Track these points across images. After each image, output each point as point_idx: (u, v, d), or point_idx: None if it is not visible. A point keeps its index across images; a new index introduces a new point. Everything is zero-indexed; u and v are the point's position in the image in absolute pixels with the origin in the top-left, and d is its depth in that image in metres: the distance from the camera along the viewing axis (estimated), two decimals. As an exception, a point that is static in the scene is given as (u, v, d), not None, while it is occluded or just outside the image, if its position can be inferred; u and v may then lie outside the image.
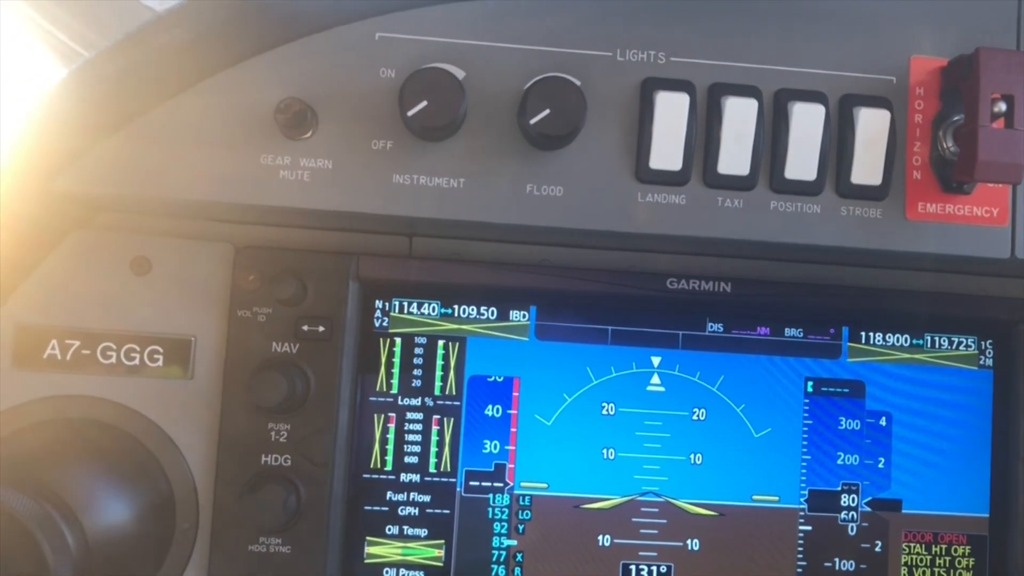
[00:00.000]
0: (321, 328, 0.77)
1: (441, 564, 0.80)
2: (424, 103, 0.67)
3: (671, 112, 0.71)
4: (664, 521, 0.82)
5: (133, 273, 0.78)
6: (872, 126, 0.72)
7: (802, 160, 0.73)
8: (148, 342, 0.77)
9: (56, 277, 0.77)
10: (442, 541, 0.81)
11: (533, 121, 0.68)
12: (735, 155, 0.72)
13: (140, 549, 0.75)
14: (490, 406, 0.82)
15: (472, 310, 0.82)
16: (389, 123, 0.71)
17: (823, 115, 0.72)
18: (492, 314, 0.82)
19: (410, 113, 0.67)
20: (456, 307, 0.82)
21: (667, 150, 0.71)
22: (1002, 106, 0.69)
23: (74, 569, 0.64)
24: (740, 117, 0.71)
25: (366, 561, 0.80)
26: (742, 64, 0.73)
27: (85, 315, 0.77)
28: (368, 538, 0.80)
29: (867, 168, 0.73)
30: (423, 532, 0.81)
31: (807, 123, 0.72)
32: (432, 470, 0.81)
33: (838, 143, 0.73)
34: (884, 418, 0.84)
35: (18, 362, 0.76)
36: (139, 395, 0.77)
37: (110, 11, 1.20)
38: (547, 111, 0.68)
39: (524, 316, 0.83)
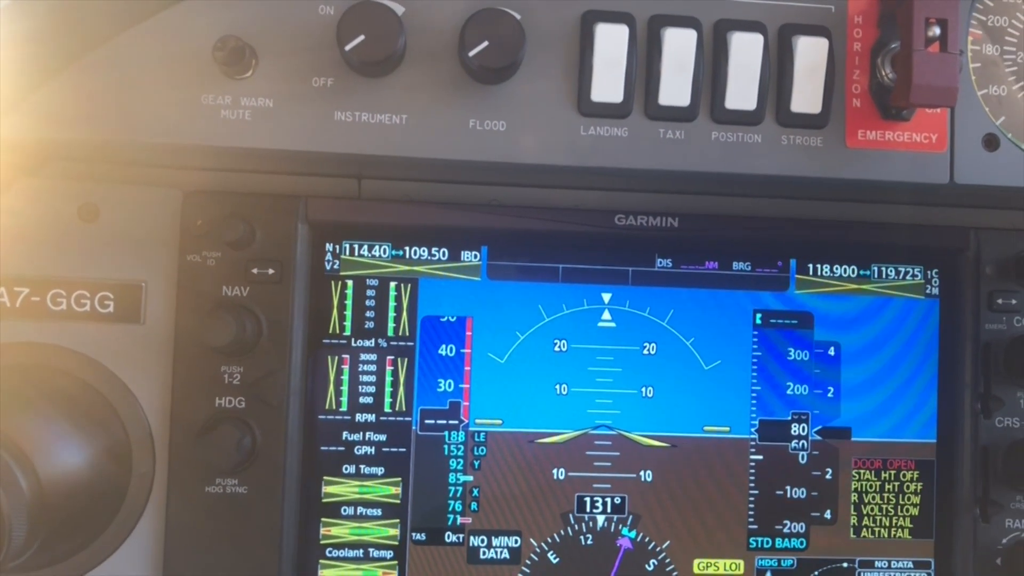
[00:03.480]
0: (271, 271, 0.78)
1: (398, 501, 0.82)
2: (361, 37, 0.67)
3: (611, 44, 0.71)
4: (617, 453, 0.83)
5: (81, 220, 0.78)
6: (811, 54, 0.73)
7: (742, 90, 0.73)
8: (98, 288, 0.78)
9: (3, 225, 0.77)
10: (399, 479, 0.82)
11: (471, 54, 0.68)
12: (676, 86, 0.72)
13: (97, 494, 0.75)
14: (443, 346, 0.83)
15: (423, 251, 0.83)
16: (329, 60, 0.70)
17: (762, 44, 0.72)
18: (443, 255, 0.83)
19: (347, 48, 0.67)
20: (407, 248, 0.83)
21: (608, 83, 0.71)
22: (936, 30, 0.70)
23: (28, 512, 0.65)
24: (680, 48, 0.72)
25: (324, 500, 0.81)
26: (681, -5, 0.73)
27: (34, 262, 0.77)
28: (325, 477, 0.81)
29: (807, 97, 0.74)
30: (380, 471, 0.82)
31: (746, 52, 0.72)
32: (387, 410, 0.82)
33: (778, 73, 0.74)
34: (832, 348, 0.86)
35: (-33, 311, 0.76)
36: (91, 341, 0.77)
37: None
38: (486, 43, 0.68)
39: (475, 256, 0.83)
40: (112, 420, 0.77)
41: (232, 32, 0.69)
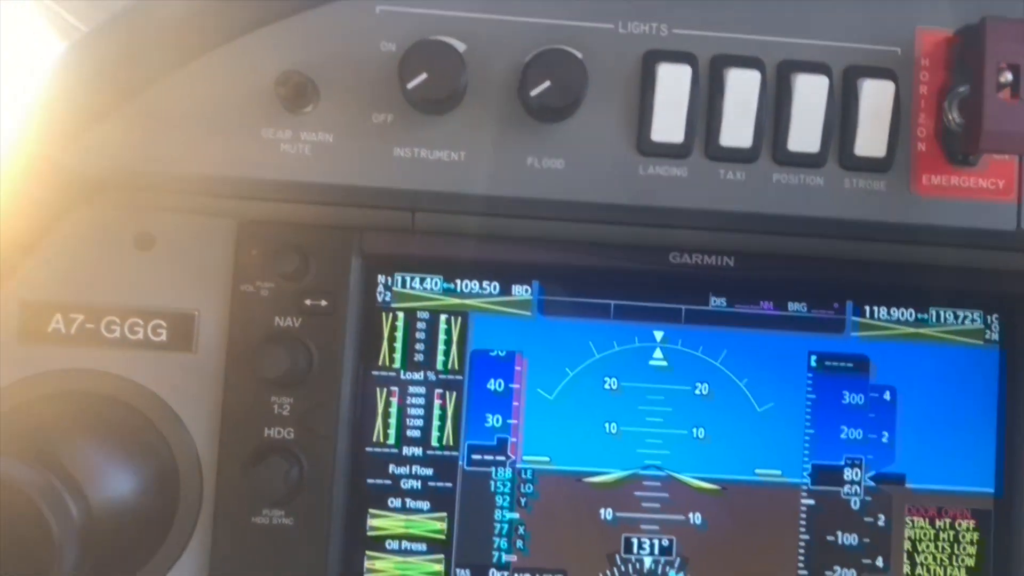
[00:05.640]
0: (324, 303, 0.77)
1: (444, 537, 0.81)
2: (424, 75, 0.67)
3: (673, 84, 0.70)
4: (666, 495, 0.82)
5: (136, 248, 0.78)
6: (876, 97, 0.72)
7: (805, 132, 0.72)
8: (152, 316, 0.78)
9: (60, 253, 0.78)
10: (444, 514, 0.81)
11: (534, 93, 0.67)
12: (737, 127, 0.71)
13: (144, 521, 0.75)
14: (493, 381, 0.82)
15: (475, 285, 0.82)
16: (390, 97, 0.70)
17: (827, 86, 0.71)
18: (495, 289, 0.82)
19: (410, 85, 0.67)
20: (458, 282, 0.82)
21: (669, 122, 0.71)
22: (1008, 76, 0.68)
23: (79, 540, 0.65)
24: (743, 89, 0.71)
25: (369, 533, 0.81)
26: (745, 36, 0.72)
27: (89, 290, 0.77)
28: (371, 511, 0.81)
29: (871, 140, 0.72)
30: (426, 505, 0.81)
31: (810, 94, 0.71)
32: (435, 444, 0.81)
33: (842, 115, 0.73)
34: (888, 392, 0.84)
35: (23, 337, 0.77)
36: (143, 369, 0.78)
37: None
38: (548, 83, 0.67)
39: (527, 291, 0.83)
40: (161, 448, 0.77)
41: (294, 67, 0.69)
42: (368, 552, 0.81)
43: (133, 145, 0.70)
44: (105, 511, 0.69)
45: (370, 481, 0.81)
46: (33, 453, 0.67)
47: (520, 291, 0.82)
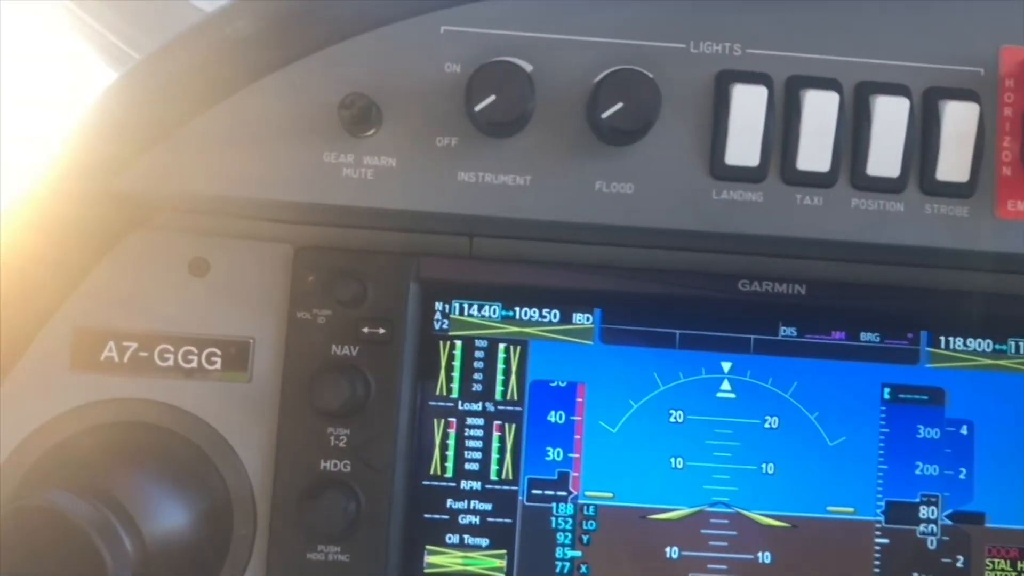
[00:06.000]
0: (382, 330, 0.75)
1: (503, 575, 0.78)
2: (492, 98, 0.65)
3: (748, 106, 0.68)
4: (734, 533, 0.79)
5: (191, 274, 0.76)
6: (959, 120, 0.69)
7: (885, 156, 0.69)
8: (206, 344, 0.76)
9: (113, 279, 0.76)
10: (504, 551, 0.78)
11: (605, 115, 0.65)
12: (815, 150, 0.69)
13: (198, 555, 0.73)
14: (553, 412, 0.79)
15: (534, 312, 0.80)
16: (454, 119, 0.68)
17: (907, 108, 0.68)
18: (555, 317, 0.80)
19: (477, 108, 0.65)
20: (518, 309, 0.80)
21: (743, 145, 0.68)
22: (1101, 97, 0.65)
23: (132, 574, 0.63)
24: (820, 111, 0.68)
25: (426, 571, 0.78)
26: (822, 56, 0.70)
27: (142, 317, 0.76)
28: (428, 547, 0.78)
29: (954, 164, 0.69)
30: (484, 542, 0.78)
31: (890, 117, 0.69)
32: (494, 478, 0.78)
33: (923, 138, 0.70)
34: (966, 427, 0.80)
35: (75, 364, 0.75)
36: (197, 398, 0.76)
37: (161, 13, 1.20)
38: (620, 104, 0.65)
39: (588, 319, 0.80)
40: (215, 481, 0.75)
41: (356, 89, 0.67)
42: (425, 589, 0.78)
43: (190, 169, 0.68)
44: (158, 546, 0.67)
45: (427, 516, 0.78)
46: (85, 485, 0.66)
47: (581, 319, 0.80)
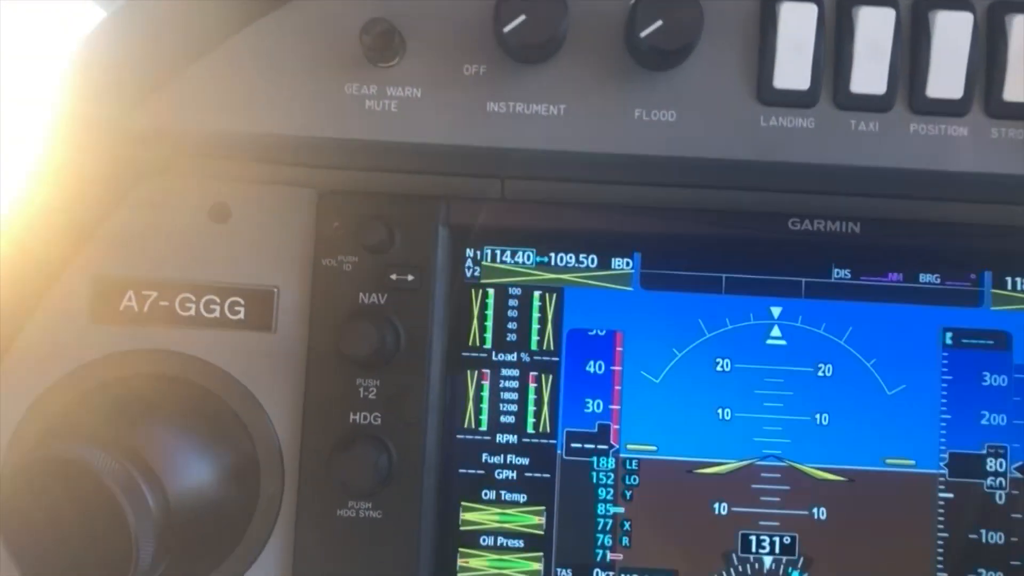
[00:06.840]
0: (410, 277, 0.72)
1: (542, 532, 0.74)
2: (522, 18, 0.61)
3: (797, 25, 0.63)
4: (787, 487, 0.74)
5: (211, 220, 0.73)
6: (1028, 35, 0.64)
7: (946, 76, 0.64)
8: (228, 293, 0.73)
9: (131, 225, 0.73)
10: (542, 507, 0.74)
11: (644, 34, 0.61)
12: (869, 71, 0.64)
13: (224, 514, 0.70)
14: (591, 362, 0.75)
15: (570, 258, 0.76)
16: (482, 46, 0.64)
17: (971, 23, 0.63)
18: (592, 262, 0.76)
19: (506, 29, 0.61)
20: (552, 255, 0.76)
21: (793, 67, 0.64)
22: None
23: (156, 532, 0.60)
24: (875, 28, 0.64)
25: (461, 528, 0.74)
26: (876, -31, 0.65)
27: (162, 265, 0.73)
28: (463, 503, 0.74)
29: (1022, 83, 0.64)
30: (522, 497, 0.74)
31: (952, 33, 0.64)
32: (530, 430, 0.75)
33: (987, 56, 0.65)
34: (1034, 373, 0.75)
35: (95, 315, 0.72)
36: (220, 349, 0.73)
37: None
38: (659, 22, 0.61)
39: (627, 263, 0.76)
40: (241, 435, 0.72)
41: (378, 14, 0.63)
42: (461, 548, 0.74)
43: (209, 102, 0.65)
44: (183, 503, 0.64)
45: (461, 471, 0.74)
46: (107, 439, 0.63)
47: (620, 263, 0.76)
